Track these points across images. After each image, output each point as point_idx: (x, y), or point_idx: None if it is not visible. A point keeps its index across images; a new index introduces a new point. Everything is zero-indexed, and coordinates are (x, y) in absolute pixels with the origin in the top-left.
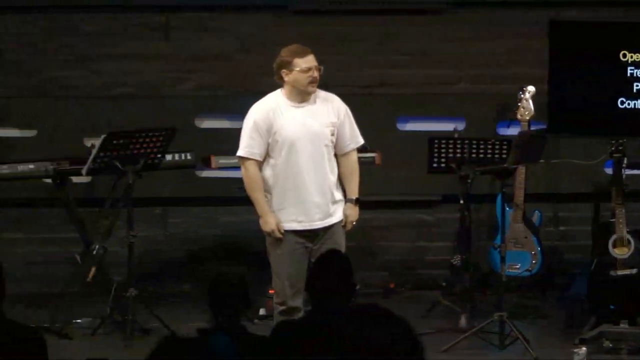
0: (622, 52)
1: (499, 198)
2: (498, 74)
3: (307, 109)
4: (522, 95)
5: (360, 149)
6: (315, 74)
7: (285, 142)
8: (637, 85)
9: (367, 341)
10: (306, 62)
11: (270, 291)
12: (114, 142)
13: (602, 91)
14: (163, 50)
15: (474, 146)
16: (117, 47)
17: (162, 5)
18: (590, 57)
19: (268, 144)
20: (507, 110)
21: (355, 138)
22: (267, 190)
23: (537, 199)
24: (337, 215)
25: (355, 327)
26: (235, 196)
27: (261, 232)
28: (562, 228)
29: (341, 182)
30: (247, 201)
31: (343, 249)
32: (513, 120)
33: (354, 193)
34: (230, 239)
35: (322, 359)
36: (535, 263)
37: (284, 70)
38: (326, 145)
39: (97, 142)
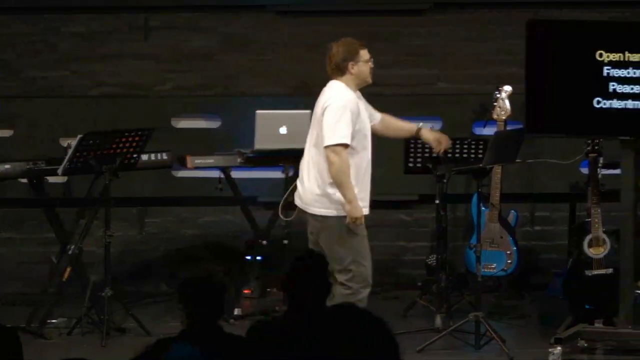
0: (599, 52)
1: (474, 198)
2: (476, 73)
3: (362, 101)
4: (499, 95)
5: None
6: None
7: (365, 132)
8: (613, 85)
9: (344, 341)
10: (367, 54)
11: (245, 291)
12: (91, 142)
13: (578, 91)
14: (143, 51)
15: (450, 146)
16: (97, 47)
17: (142, 5)
18: (567, 56)
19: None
20: (485, 110)
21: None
22: None
23: (513, 199)
24: None
25: (332, 327)
26: (213, 196)
27: (238, 231)
28: (538, 228)
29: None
30: (224, 201)
31: None
32: (490, 120)
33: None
34: (208, 239)
35: (299, 359)
36: (510, 263)
37: (351, 62)
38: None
39: (74, 142)
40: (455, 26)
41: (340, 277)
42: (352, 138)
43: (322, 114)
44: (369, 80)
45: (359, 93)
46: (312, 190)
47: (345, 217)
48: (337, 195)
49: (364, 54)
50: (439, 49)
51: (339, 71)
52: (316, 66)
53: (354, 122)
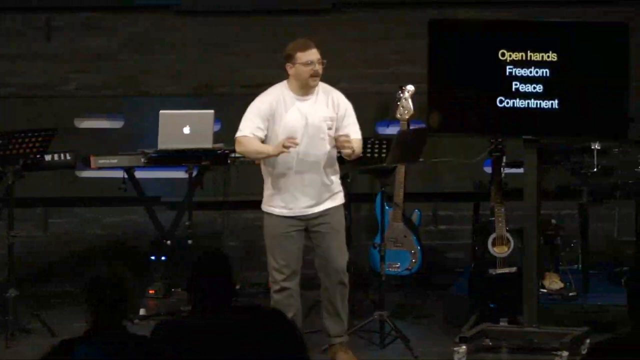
0: (501, 51)
1: (378, 197)
2: (378, 73)
3: (308, 102)
4: (402, 95)
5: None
6: (317, 67)
7: (285, 132)
8: (515, 85)
9: (251, 340)
10: (307, 56)
11: (150, 291)
12: None
13: (481, 90)
14: (45, 51)
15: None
16: None
17: (43, 6)
18: (469, 56)
19: (267, 132)
20: (389, 110)
21: (353, 133)
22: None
23: (416, 198)
24: (332, 201)
25: (238, 327)
26: (116, 196)
27: (142, 231)
28: (442, 227)
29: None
30: (127, 201)
31: (343, 230)
32: (393, 120)
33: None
34: (112, 239)
35: (203, 359)
36: (415, 262)
37: (288, 63)
38: (322, 138)
39: None
40: (355, 26)
41: None
42: (269, 138)
43: None
44: (310, 82)
45: (338, 97)
46: None
47: (266, 213)
48: (264, 193)
49: (301, 56)
50: (340, 49)
51: (286, 71)
52: (218, 66)
53: (263, 120)
